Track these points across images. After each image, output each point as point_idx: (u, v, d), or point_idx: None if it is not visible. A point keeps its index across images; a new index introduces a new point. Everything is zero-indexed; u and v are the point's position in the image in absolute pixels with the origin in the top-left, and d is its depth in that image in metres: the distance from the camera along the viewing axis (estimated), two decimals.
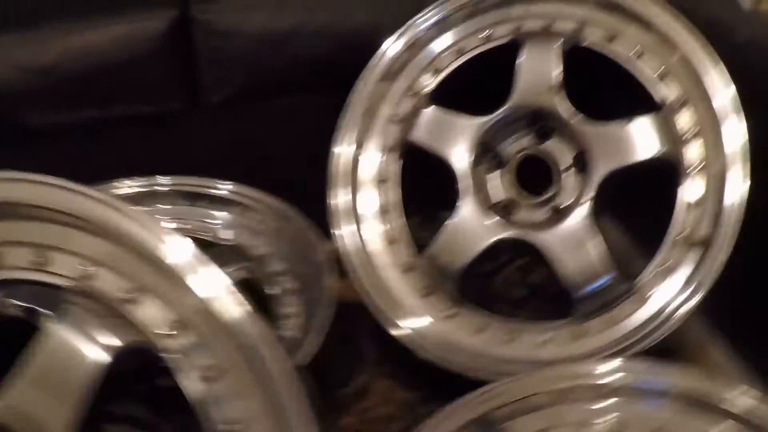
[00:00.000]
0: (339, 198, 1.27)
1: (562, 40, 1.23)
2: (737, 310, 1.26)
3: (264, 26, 1.34)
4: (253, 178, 1.33)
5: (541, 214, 1.24)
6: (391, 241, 1.26)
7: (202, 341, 0.83)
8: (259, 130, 1.42)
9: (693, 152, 1.16)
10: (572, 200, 1.21)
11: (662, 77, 1.19)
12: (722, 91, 1.15)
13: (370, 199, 1.28)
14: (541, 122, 1.25)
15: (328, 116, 1.30)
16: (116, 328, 0.84)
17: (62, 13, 1.32)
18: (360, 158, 1.28)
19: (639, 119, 1.19)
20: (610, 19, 1.23)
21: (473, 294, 1.41)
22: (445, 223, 1.24)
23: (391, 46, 1.30)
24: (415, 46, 1.30)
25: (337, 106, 1.30)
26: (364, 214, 1.27)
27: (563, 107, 1.21)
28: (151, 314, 0.83)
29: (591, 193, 1.19)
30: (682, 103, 1.18)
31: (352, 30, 1.36)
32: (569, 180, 1.23)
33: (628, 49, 1.21)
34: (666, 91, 1.18)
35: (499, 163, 1.28)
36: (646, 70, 1.20)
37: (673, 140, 1.16)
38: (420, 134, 1.27)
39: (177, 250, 0.84)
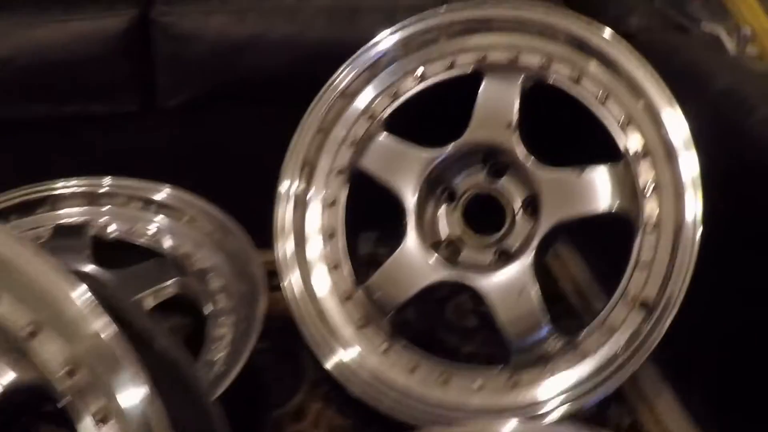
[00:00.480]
0: (284, 215, 1.23)
1: (524, 75, 1.17)
2: (685, 360, 1.22)
3: (224, 33, 1.30)
4: (202, 184, 1.30)
5: (486, 257, 1.19)
6: (334, 265, 1.23)
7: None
8: (213, 136, 1.38)
9: (650, 208, 1.11)
10: (519, 244, 1.17)
11: (625, 125, 1.14)
12: (684, 145, 1.09)
13: (315, 220, 1.24)
14: (495, 159, 1.20)
15: (283, 128, 1.26)
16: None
17: (20, 6, 1.29)
18: (308, 178, 1.24)
19: (596, 168, 1.13)
20: (578, 58, 1.17)
21: (423, 319, 1.40)
22: (392, 256, 1.19)
23: (351, 65, 1.25)
24: (375, 67, 1.25)
25: (294, 118, 1.26)
26: (309, 234, 1.24)
27: (519, 148, 1.16)
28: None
29: (538, 239, 1.13)
30: (643, 154, 1.12)
31: (312, 43, 1.31)
32: (519, 223, 1.18)
33: (593, 92, 1.15)
34: (628, 140, 1.13)
35: (449, 198, 1.23)
36: (609, 116, 1.14)
37: (632, 194, 1.11)
38: (370, 161, 1.22)
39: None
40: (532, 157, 1.15)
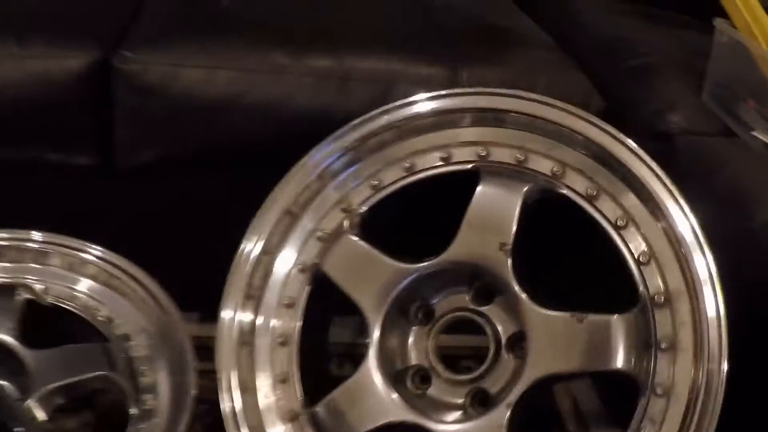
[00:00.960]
0: (233, 314, 1.04)
1: (531, 185, 0.97)
2: None
3: (195, 89, 1.12)
4: (151, 252, 1.14)
5: (459, 396, 0.98)
6: (283, 379, 1.04)
7: None
8: (176, 201, 1.21)
9: (662, 367, 0.90)
10: (500, 389, 0.96)
11: (646, 262, 0.93)
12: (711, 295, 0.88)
13: (268, 321, 1.05)
14: (483, 281, 1.00)
15: (254, 201, 1.08)
16: None
17: None
18: (265, 270, 1.05)
19: (603, 318, 0.91)
20: (598, 172, 0.96)
21: None
22: (344, 384, 0.99)
23: (335, 142, 1.06)
24: (360, 149, 1.06)
25: (263, 189, 1.07)
26: (260, 341, 1.05)
27: (511, 276, 0.94)
28: None
29: (519, 391, 0.92)
30: (664, 302, 0.91)
31: (294, 112, 1.12)
32: (504, 362, 0.97)
33: (611, 216, 0.95)
34: (648, 282, 0.92)
35: (425, 318, 1.03)
36: (625, 249, 0.93)
37: (641, 349, 0.90)
38: (334, 265, 1.02)
39: None
40: (524, 293, 0.94)
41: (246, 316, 1.04)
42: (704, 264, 0.90)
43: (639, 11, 1.49)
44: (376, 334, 0.98)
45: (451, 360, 1.02)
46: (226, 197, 1.19)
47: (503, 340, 0.98)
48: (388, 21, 1.32)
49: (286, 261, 1.05)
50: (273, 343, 1.04)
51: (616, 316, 0.90)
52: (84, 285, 1.12)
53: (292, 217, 1.06)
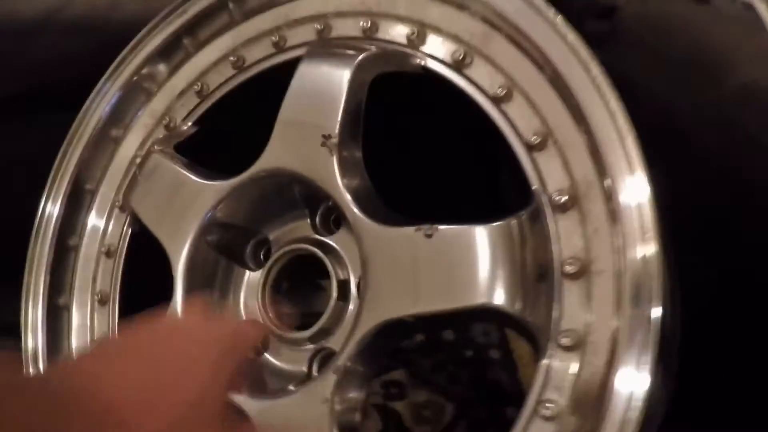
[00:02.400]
0: (39, 259, 0.81)
1: (370, 52, 0.67)
2: None
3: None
4: None
5: (300, 363, 0.70)
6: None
7: None
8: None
9: (571, 306, 0.59)
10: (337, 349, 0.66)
11: (540, 146, 0.62)
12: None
13: (86, 274, 0.82)
14: (322, 201, 0.72)
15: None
16: None
17: None
18: (82, 205, 0.82)
19: (466, 228, 0.61)
20: (470, 29, 0.67)
21: None
22: None
23: (147, 41, 0.80)
24: (179, 48, 0.80)
25: None
26: (76, 294, 0.81)
27: (341, 182, 0.65)
28: None
29: (353, 348, 0.62)
30: (568, 201, 0.60)
31: (120, 23, 0.89)
32: (350, 311, 0.69)
33: (489, 85, 0.65)
34: (544, 175, 0.61)
35: (263, 258, 0.76)
36: (511, 130, 0.63)
37: (532, 276, 0.60)
38: (140, 198, 0.76)
39: None
40: (355, 202, 0.64)
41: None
42: (625, 144, 0.59)
43: None
44: (179, 275, 0.71)
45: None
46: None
47: (352, 280, 0.69)
48: None
49: (105, 195, 0.82)
50: (93, 300, 0.80)
51: (481, 226, 0.60)
52: None
53: (114, 141, 0.83)
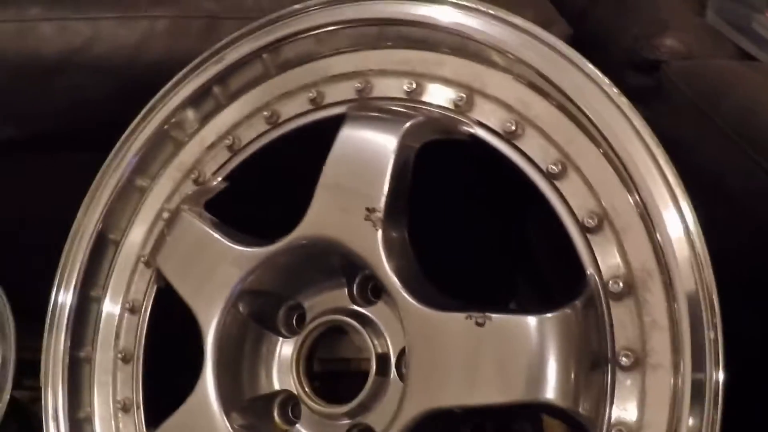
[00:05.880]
0: (61, 314, 0.78)
1: (418, 119, 0.64)
2: None
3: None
4: None
5: None
6: (123, 406, 0.76)
7: None
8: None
9: (625, 397, 0.56)
10: (385, 427, 0.62)
11: (592, 230, 0.59)
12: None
13: (108, 331, 0.78)
14: (360, 272, 0.68)
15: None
16: None
17: None
18: (105, 263, 0.79)
19: (516, 318, 0.58)
20: (525, 100, 0.63)
21: None
22: (178, 409, 0.70)
23: (179, 89, 0.76)
24: (209, 97, 0.76)
25: None
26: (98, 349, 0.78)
27: (385, 256, 0.61)
28: None
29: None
30: (624, 289, 0.57)
31: (145, 66, 0.85)
32: (392, 387, 0.65)
33: (540, 159, 0.62)
34: (596, 259, 0.58)
35: (297, 325, 0.72)
36: (566, 209, 0.60)
37: (585, 368, 0.56)
38: (167, 257, 0.73)
39: None
40: (400, 280, 0.60)
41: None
42: (685, 229, 0.56)
43: None
44: (209, 347, 0.68)
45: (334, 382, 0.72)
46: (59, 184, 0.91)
47: (391, 355, 0.66)
48: None
49: (130, 251, 0.79)
50: (116, 357, 0.77)
51: (537, 317, 0.56)
52: None
53: (139, 192, 0.79)
